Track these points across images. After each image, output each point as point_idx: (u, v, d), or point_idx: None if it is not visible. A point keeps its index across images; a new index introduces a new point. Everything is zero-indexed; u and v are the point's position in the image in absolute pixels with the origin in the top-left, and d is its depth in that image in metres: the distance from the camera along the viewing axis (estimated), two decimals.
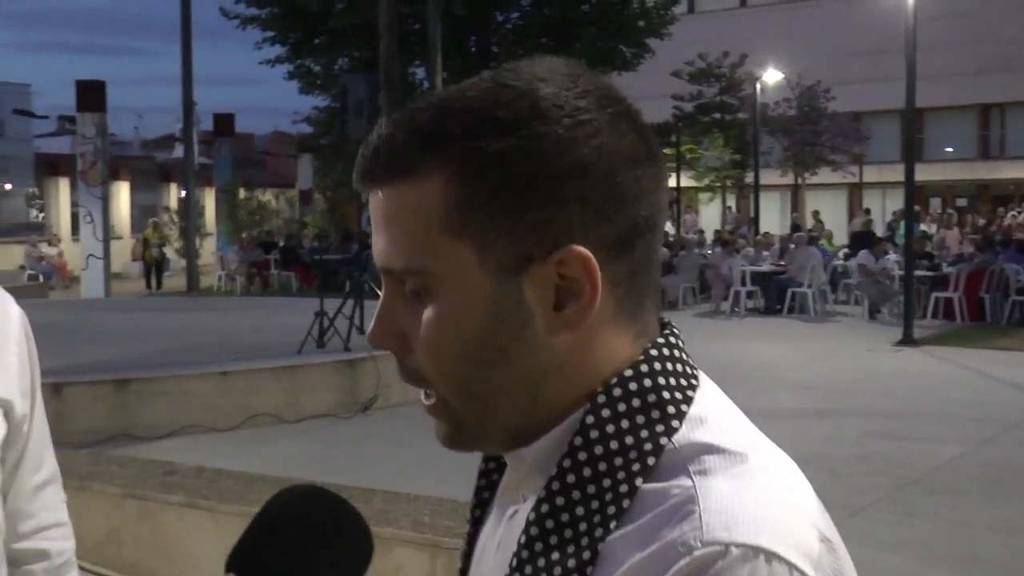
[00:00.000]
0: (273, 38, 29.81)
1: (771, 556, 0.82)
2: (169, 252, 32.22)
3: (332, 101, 29.43)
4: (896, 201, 32.93)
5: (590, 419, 0.91)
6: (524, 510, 0.96)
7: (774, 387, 12.23)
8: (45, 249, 31.08)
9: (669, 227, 34.23)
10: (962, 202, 44.20)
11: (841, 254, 24.73)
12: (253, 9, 29.27)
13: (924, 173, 32.78)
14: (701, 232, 33.84)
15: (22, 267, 29.98)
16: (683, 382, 0.95)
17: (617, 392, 0.92)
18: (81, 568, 1.91)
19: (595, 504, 0.89)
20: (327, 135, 31.25)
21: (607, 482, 0.89)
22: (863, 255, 20.32)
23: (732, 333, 17.52)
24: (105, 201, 24.47)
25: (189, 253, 26.25)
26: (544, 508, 0.91)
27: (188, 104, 26.54)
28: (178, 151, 43.67)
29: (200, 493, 5.55)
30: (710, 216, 43.91)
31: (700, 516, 0.84)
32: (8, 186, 44.66)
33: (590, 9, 29.33)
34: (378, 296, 1.01)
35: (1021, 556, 6.57)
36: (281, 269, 27.89)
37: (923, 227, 27.96)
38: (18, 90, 65.39)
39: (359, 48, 27.92)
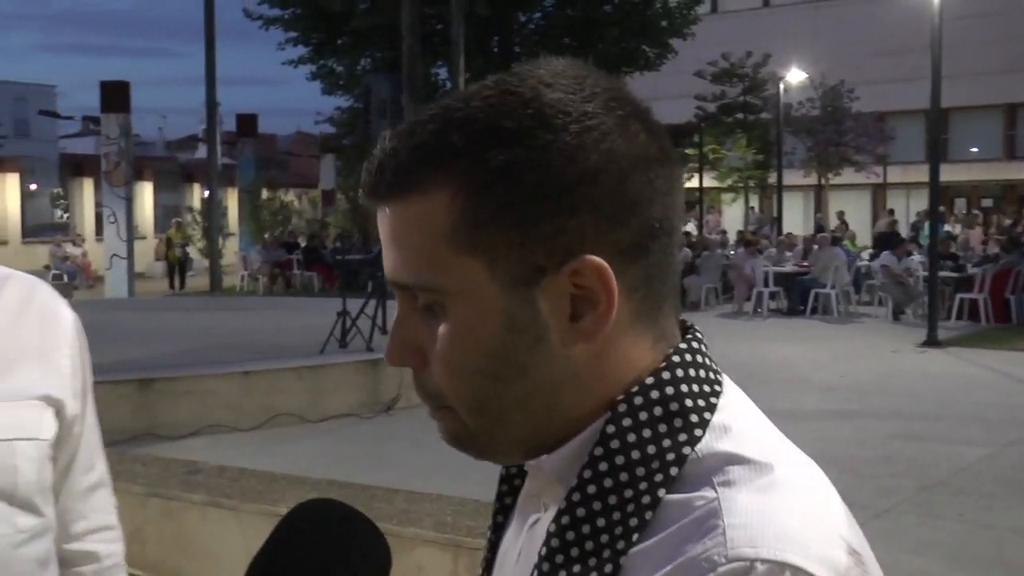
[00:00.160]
0: (296, 39, 29.87)
1: (798, 571, 0.80)
2: (192, 252, 32.34)
3: (355, 101, 29.48)
4: (920, 202, 32.80)
5: (611, 429, 0.89)
6: (546, 519, 0.95)
7: (797, 388, 12.19)
8: (69, 249, 31.23)
9: (692, 228, 34.21)
10: (987, 202, 43.93)
11: (866, 255, 24.63)
12: (276, 10, 29.35)
13: (949, 173, 32.59)
14: (724, 233, 33.79)
15: (47, 267, 30.13)
16: (706, 388, 0.92)
17: (638, 401, 0.90)
18: None
19: (617, 516, 0.87)
20: (350, 135, 31.32)
21: (629, 493, 0.87)
22: (885, 256, 20.24)
23: (755, 334, 17.47)
24: (129, 201, 24.60)
25: (212, 253, 26.33)
26: (565, 520, 0.89)
27: (211, 105, 26.65)
28: (201, 151, 43.88)
29: (223, 492, 5.56)
30: (733, 217, 43.79)
31: (724, 531, 0.82)
32: (33, 186, 44.89)
33: (613, 9, 29.30)
34: None
35: None
36: (303, 269, 27.95)
37: (948, 228, 27.82)
38: (43, 91, 65.86)
39: (382, 48, 27.97)
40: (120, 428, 9.19)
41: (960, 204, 42.57)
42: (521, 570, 0.98)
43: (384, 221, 0.93)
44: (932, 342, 15.61)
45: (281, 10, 29.33)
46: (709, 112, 39.24)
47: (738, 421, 0.92)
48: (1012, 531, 6.99)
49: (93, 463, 1.85)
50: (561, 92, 0.90)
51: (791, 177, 38.48)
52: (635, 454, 0.88)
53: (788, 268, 21.35)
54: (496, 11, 26.69)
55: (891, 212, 34.31)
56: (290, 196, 36.00)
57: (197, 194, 41.37)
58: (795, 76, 37.15)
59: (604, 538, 0.87)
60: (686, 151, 38.47)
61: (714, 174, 40.18)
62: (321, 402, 10.22)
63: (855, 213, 38.93)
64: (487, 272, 0.89)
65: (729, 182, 41.30)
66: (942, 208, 26.80)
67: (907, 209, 40.22)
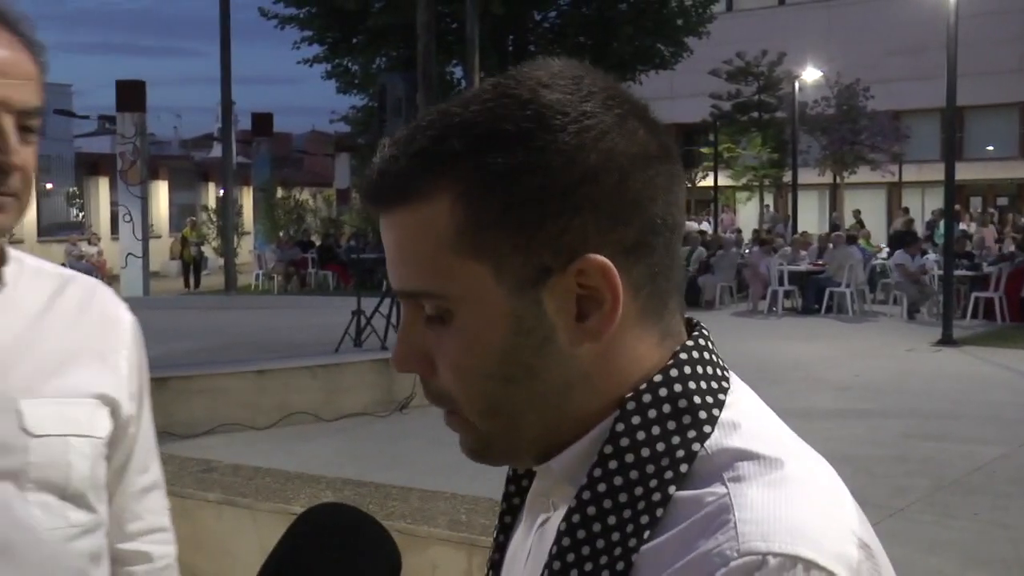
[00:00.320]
0: (311, 37, 29.89)
1: (809, 565, 0.81)
2: (207, 251, 32.42)
3: (370, 100, 29.48)
4: (936, 200, 32.68)
5: (620, 427, 0.90)
6: (555, 519, 0.95)
7: (812, 387, 12.16)
8: (85, 248, 31.32)
9: (707, 226, 34.16)
10: (1003, 201, 43.77)
11: (884, 253, 24.55)
12: (291, 9, 29.37)
13: (964, 172, 32.47)
14: (739, 231, 33.71)
15: (62, 265, 30.20)
16: (714, 385, 0.93)
17: (647, 399, 0.91)
18: None
19: (628, 513, 0.88)
20: (365, 134, 31.32)
21: (639, 490, 0.88)
22: (899, 254, 20.19)
23: (770, 333, 17.44)
24: (144, 200, 24.67)
25: (227, 252, 26.38)
26: (576, 518, 0.89)
27: (226, 104, 26.70)
28: (216, 150, 43.95)
29: (238, 491, 5.58)
30: (748, 215, 43.71)
31: (736, 525, 0.83)
32: (49, 185, 44.96)
33: (628, 8, 29.24)
34: None
35: None
36: (318, 268, 28.01)
37: (963, 226, 27.71)
38: (59, 90, 65.90)
39: (397, 47, 27.96)
40: None
41: (976, 203, 42.41)
42: (531, 570, 0.98)
43: (387, 229, 0.93)
44: (947, 341, 15.56)
45: (296, 9, 29.35)
46: (724, 111, 39.18)
47: (747, 418, 0.92)
48: None
49: (148, 465, 1.90)
50: (559, 93, 0.90)
51: (806, 176, 38.38)
52: (645, 451, 0.89)
53: (803, 267, 21.31)
54: (511, 9, 26.67)
55: (906, 211, 34.15)
56: (305, 195, 36.07)
57: (212, 193, 41.44)
58: (810, 75, 37.07)
59: (615, 535, 0.87)
60: (701, 150, 38.45)
61: (729, 173, 40.11)
62: (336, 401, 10.22)
63: (870, 212, 38.80)
64: (492, 276, 0.89)
65: (744, 181, 41.23)
66: (957, 207, 26.71)
67: (922, 208, 40.07)
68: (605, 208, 0.89)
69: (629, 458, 0.89)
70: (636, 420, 0.90)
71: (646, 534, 0.87)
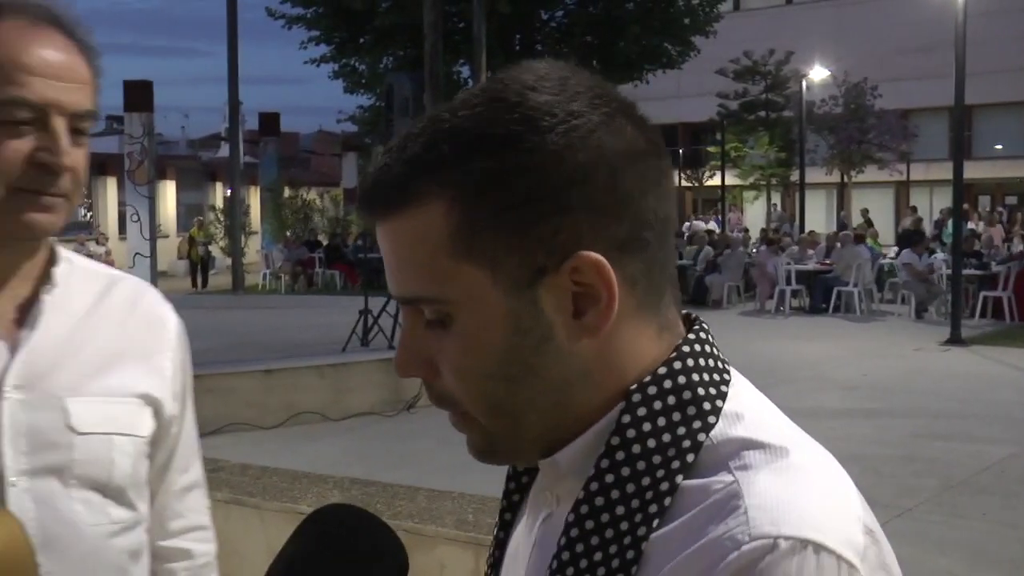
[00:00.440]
0: (318, 37, 29.88)
1: (819, 548, 0.83)
2: (215, 250, 32.43)
3: (377, 100, 29.46)
4: (944, 199, 32.61)
5: (626, 418, 0.92)
6: (559, 512, 0.96)
7: (820, 387, 12.15)
8: (93, 248, 31.35)
9: (714, 225, 34.14)
10: (1012, 200, 43.70)
11: (892, 252, 24.51)
12: (298, 9, 29.35)
13: (973, 171, 32.43)
14: (746, 231, 33.69)
15: None
16: (716, 378, 0.95)
17: (652, 390, 0.92)
18: None
19: (636, 503, 0.89)
20: (372, 134, 31.30)
21: (647, 480, 0.90)
22: (906, 254, 20.17)
23: (777, 332, 17.42)
24: (152, 200, 24.63)
25: (234, 251, 26.40)
26: (584, 509, 0.91)
27: (234, 103, 26.71)
28: (224, 150, 43.88)
29: (245, 490, 5.58)
30: (755, 214, 43.68)
31: (746, 511, 0.85)
32: None
33: (635, 7, 29.18)
34: None
35: None
36: (326, 267, 28.01)
37: (971, 225, 27.66)
38: None
39: (404, 47, 27.95)
40: None
41: (984, 201, 42.36)
42: (537, 563, 0.99)
43: (384, 237, 0.95)
44: (955, 340, 15.53)
45: (303, 9, 29.34)
46: (731, 110, 39.17)
47: (749, 408, 0.94)
48: None
49: (190, 464, 1.94)
50: (546, 94, 0.91)
51: (814, 175, 38.36)
52: (651, 442, 0.91)
53: (810, 266, 21.29)
54: (518, 9, 26.65)
55: (914, 210, 34.12)
56: (312, 194, 36.06)
57: (220, 192, 41.47)
58: (818, 73, 37.05)
59: (624, 525, 0.89)
60: (708, 149, 38.45)
61: (736, 172, 40.10)
62: (343, 400, 10.23)
63: (878, 211, 38.76)
64: (489, 278, 0.91)
65: (751, 180, 41.21)
66: (966, 206, 26.66)
67: (930, 207, 40.02)
68: (597, 205, 0.90)
69: (636, 449, 0.91)
70: (642, 412, 0.92)
71: (655, 523, 0.88)
